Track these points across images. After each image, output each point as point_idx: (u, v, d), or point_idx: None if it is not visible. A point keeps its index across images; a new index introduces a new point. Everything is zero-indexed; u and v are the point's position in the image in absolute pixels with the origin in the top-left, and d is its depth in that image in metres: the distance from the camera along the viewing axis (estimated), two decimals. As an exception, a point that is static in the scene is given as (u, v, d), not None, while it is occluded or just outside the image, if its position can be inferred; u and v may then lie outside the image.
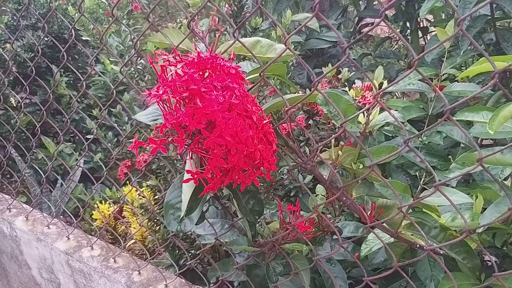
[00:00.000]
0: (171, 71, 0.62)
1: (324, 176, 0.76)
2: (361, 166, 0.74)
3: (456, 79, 1.40)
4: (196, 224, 0.78)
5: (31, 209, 1.40)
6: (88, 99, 2.64)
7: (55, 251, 1.25)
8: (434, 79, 1.47)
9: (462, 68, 1.72)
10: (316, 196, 0.92)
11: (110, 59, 1.52)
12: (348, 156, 0.74)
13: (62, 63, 0.94)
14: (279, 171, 1.22)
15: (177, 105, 0.64)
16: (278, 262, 0.87)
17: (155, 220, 1.56)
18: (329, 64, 1.38)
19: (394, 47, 2.84)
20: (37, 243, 1.31)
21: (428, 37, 2.07)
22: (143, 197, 1.84)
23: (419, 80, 1.42)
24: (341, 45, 2.11)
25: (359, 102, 1.05)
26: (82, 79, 0.98)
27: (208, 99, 0.59)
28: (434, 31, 1.55)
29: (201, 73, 0.63)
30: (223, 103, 0.59)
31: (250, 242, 0.85)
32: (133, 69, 1.43)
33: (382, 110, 0.72)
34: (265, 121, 0.64)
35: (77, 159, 2.44)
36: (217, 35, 0.77)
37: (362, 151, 0.74)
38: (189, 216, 0.70)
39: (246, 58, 0.89)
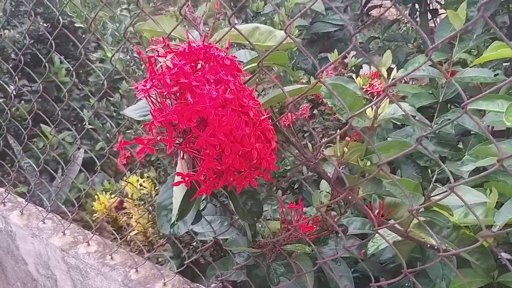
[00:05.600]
0: (160, 62, 0.57)
1: (329, 174, 0.70)
2: (368, 163, 0.68)
3: (469, 64, 1.33)
4: (192, 224, 0.73)
5: (26, 203, 1.36)
6: (89, 87, 2.58)
7: (50, 247, 1.21)
8: (445, 63, 1.40)
9: (472, 51, 1.64)
10: (320, 192, 0.87)
11: (108, 46, 1.47)
12: (354, 152, 0.69)
13: (51, 52, 0.88)
14: (282, 163, 1.17)
15: (167, 100, 0.59)
16: (279, 263, 0.82)
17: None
18: (335, 50, 1.32)
19: (402, 29, 2.75)
20: (32, 239, 1.26)
21: (438, 20, 1.99)
22: (144, 187, 1.81)
23: (429, 65, 1.36)
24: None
25: (367, 91, 0.98)
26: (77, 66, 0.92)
27: (200, 94, 0.53)
28: (445, 13, 1.47)
29: (193, 64, 0.58)
30: (216, 99, 0.53)
31: (250, 243, 0.80)
32: (129, 57, 1.37)
33: (391, 101, 0.67)
34: (263, 117, 0.59)
35: (79, 148, 2.40)
36: (213, 22, 0.71)
37: (370, 147, 0.69)
38: (183, 218, 0.65)
39: (247, 46, 0.84)
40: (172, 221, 0.61)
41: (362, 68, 1.67)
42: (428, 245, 0.80)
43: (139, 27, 0.75)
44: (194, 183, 0.55)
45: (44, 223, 1.28)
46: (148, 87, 0.55)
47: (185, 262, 0.97)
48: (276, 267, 0.81)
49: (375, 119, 0.66)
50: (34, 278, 1.36)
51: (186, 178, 0.55)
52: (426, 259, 0.92)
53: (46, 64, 1.14)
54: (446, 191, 0.69)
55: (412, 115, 0.76)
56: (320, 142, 0.63)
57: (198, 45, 0.58)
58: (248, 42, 0.66)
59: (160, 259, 1.63)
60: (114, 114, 1.76)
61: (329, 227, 0.82)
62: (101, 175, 2.34)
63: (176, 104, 0.53)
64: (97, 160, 1.06)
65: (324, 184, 0.89)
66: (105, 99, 1.90)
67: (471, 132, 1.25)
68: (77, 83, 2.62)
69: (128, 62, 1.38)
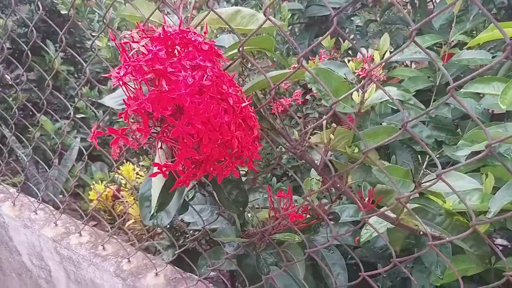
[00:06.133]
0: (134, 48, 0.54)
1: (316, 162, 0.68)
2: (356, 150, 0.66)
3: (466, 46, 1.30)
4: (180, 214, 0.71)
5: (18, 194, 1.34)
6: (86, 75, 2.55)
7: (42, 238, 1.20)
8: (444, 45, 1.37)
9: (473, 33, 1.61)
10: (311, 180, 0.85)
11: (92, 33, 1.44)
12: (342, 139, 0.66)
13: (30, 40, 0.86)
14: (277, 149, 1.15)
15: (144, 88, 0.56)
16: (269, 252, 0.80)
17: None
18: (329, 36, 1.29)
19: (401, 12, 2.70)
20: (24, 230, 1.25)
21: (437, 1, 1.95)
22: (140, 176, 1.79)
23: (426, 47, 1.33)
24: (345, 12, 2.00)
25: (359, 75, 0.96)
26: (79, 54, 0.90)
27: (175, 81, 0.51)
28: (443, -6, 1.44)
29: (169, 50, 0.55)
30: (193, 85, 0.51)
31: (239, 232, 0.79)
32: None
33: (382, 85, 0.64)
34: (244, 104, 0.56)
35: (75, 137, 2.39)
36: (193, 6, 0.68)
37: (356, 133, 0.66)
38: (166, 209, 0.63)
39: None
40: (151, 213, 0.59)
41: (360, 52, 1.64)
42: (421, 232, 0.78)
43: (120, 12, 0.72)
44: (173, 173, 0.53)
45: (36, 214, 1.27)
46: (122, 74, 0.52)
47: (175, 252, 0.96)
48: (266, 257, 0.79)
49: (362, 104, 0.63)
50: (29, 269, 1.35)
51: (164, 169, 0.53)
52: (420, 246, 0.90)
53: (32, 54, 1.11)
54: (435, 178, 0.67)
55: (404, 100, 0.73)
56: (306, 127, 0.61)
57: (175, 30, 0.56)
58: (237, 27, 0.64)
59: (159, 248, 1.62)
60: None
61: (320, 215, 0.80)
62: (99, 164, 2.33)
63: (150, 92, 0.51)
64: (84, 150, 1.05)
65: (314, 172, 0.87)
66: (97, 87, 1.88)
67: (469, 116, 1.23)
68: (73, 71, 2.61)
69: (115, 49, 1.35)
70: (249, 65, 0.95)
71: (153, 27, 0.62)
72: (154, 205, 0.57)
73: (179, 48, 0.56)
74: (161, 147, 0.56)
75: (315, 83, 0.62)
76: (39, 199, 1.29)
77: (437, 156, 1.15)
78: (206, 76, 0.53)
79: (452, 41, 1.35)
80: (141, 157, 1.74)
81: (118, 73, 0.53)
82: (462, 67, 1.33)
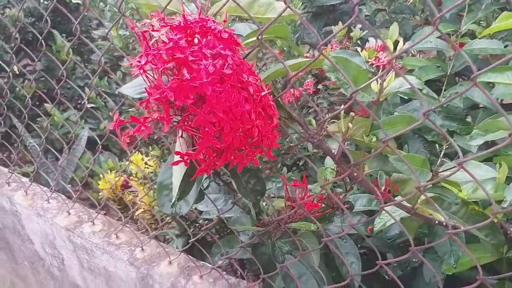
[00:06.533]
0: (155, 37, 0.54)
1: (333, 151, 0.68)
2: (374, 139, 0.66)
3: (478, 36, 1.29)
4: (195, 203, 0.71)
5: (30, 183, 1.35)
6: (93, 65, 2.56)
7: (55, 226, 1.21)
8: (453, 35, 1.36)
9: (481, 22, 1.60)
10: (325, 169, 0.85)
11: (105, 22, 1.43)
12: (359, 128, 0.66)
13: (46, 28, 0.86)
14: (286, 140, 1.15)
15: (164, 76, 0.57)
16: (285, 241, 0.81)
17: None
18: (340, 23, 1.29)
19: (409, 1, 2.69)
20: (37, 219, 1.26)
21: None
22: (149, 165, 1.80)
23: (437, 37, 1.32)
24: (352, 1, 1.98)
25: (372, 64, 0.95)
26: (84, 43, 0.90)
27: (197, 69, 0.51)
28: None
29: (189, 39, 0.55)
30: (214, 74, 0.51)
31: (254, 221, 0.79)
32: (128, 33, 1.34)
33: (397, 75, 0.64)
34: (263, 93, 0.56)
35: (83, 127, 2.40)
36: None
37: (375, 122, 0.66)
38: (185, 198, 0.64)
39: (248, 20, 0.81)
40: (172, 201, 0.60)
41: (368, 42, 1.64)
42: (436, 222, 0.78)
43: (135, 0, 0.72)
44: (194, 162, 0.53)
45: (48, 203, 1.28)
46: (143, 63, 0.52)
47: (190, 241, 0.96)
48: (281, 245, 0.80)
49: (381, 93, 0.63)
50: (41, 257, 1.36)
51: (185, 157, 0.53)
52: (434, 235, 0.90)
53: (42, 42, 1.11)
54: (454, 167, 0.67)
55: (419, 89, 0.73)
56: (324, 116, 0.61)
57: (194, 19, 0.56)
58: (247, 15, 0.64)
59: (167, 237, 1.63)
60: (116, 92, 1.73)
61: (334, 204, 0.80)
62: (106, 153, 2.34)
63: (172, 81, 0.51)
64: (98, 140, 1.05)
65: (329, 161, 0.87)
66: (106, 77, 1.88)
67: (480, 106, 1.22)
68: (79, 61, 2.61)
69: (128, 39, 1.35)
70: (259, 54, 0.95)
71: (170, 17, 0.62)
72: (175, 193, 0.58)
73: (199, 37, 0.56)
74: (181, 136, 0.56)
75: (334, 72, 0.62)
76: (51, 188, 1.29)
77: (447, 146, 1.14)
78: (227, 64, 0.53)
79: (463, 30, 1.34)
80: (150, 147, 1.75)
81: (139, 61, 0.53)
82: (473, 56, 1.32)
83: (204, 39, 0.55)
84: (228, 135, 0.52)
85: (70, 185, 2.18)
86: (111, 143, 2.37)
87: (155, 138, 1.49)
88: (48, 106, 2.30)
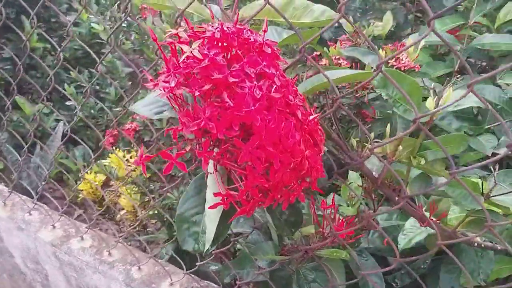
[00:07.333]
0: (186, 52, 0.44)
1: (374, 174, 0.60)
2: (422, 161, 0.58)
3: (495, 26, 1.24)
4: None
5: (9, 193, 1.22)
6: (64, 53, 2.40)
7: (39, 241, 1.09)
8: (461, 28, 1.30)
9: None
10: (350, 184, 0.77)
11: (88, 15, 1.31)
12: (406, 148, 0.59)
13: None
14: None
15: (189, 99, 0.47)
16: (309, 267, 0.73)
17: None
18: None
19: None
20: (18, 232, 1.15)
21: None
22: (131, 164, 1.68)
23: (447, 31, 1.26)
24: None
25: (392, 65, 0.88)
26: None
27: (241, 94, 0.42)
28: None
29: (225, 54, 0.46)
30: (261, 99, 0.42)
31: (277, 248, 0.71)
32: (109, 26, 1.21)
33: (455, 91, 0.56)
34: (311, 117, 0.48)
35: (56, 120, 2.26)
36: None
37: (424, 142, 0.58)
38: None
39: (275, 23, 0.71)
40: (206, 248, 0.51)
41: (365, 28, 1.56)
42: (476, 244, 0.71)
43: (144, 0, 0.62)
44: (233, 203, 0.45)
45: (30, 215, 1.16)
46: (173, 84, 0.43)
47: (197, 264, 0.87)
48: (306, 273, 0.72)
49: (436, 112, 0.55)
50: (22, 272, 1.25)
51: (226, 199, 0.44)
52: (459, 251, 0.85)
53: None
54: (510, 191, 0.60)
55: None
56: (359, 133, 0.53)
57: (229, 28, 0.46)
58: (279, 19, 0.55)
59: (151, 240, 1.53)
60: (97, 87, 1.61)
61: (364, 226, 0.73)
62: (81, 148, 2.21)
63: (210, 107, 0.42)
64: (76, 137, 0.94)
65: (353, 175, 0.79)
66: (86, 70, 1.75)
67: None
68: (49, 48, 2.45)
69: (116, 33, 1.23)
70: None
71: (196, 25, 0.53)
72: (210, 237, 0.49)
73: (234, 51, 0.46)
74: (216, 169, 0.47)
75: (385, 87, 0.54)
76: (34, 201, 1.17)
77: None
78: (274, 86, 0.44)
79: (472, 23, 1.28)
80: (135, 146, 1.63)
81: (167, 82, 0.44)
82: (475, 50, 1.27)
83: (243, 54, 0.46)
84: (278, 171, 0.43)
85: (44, 182, 2.05)
86: (85, 136, 2.25)
87: (143, 139, 1.38)
88: (18, 98, 2.15)
